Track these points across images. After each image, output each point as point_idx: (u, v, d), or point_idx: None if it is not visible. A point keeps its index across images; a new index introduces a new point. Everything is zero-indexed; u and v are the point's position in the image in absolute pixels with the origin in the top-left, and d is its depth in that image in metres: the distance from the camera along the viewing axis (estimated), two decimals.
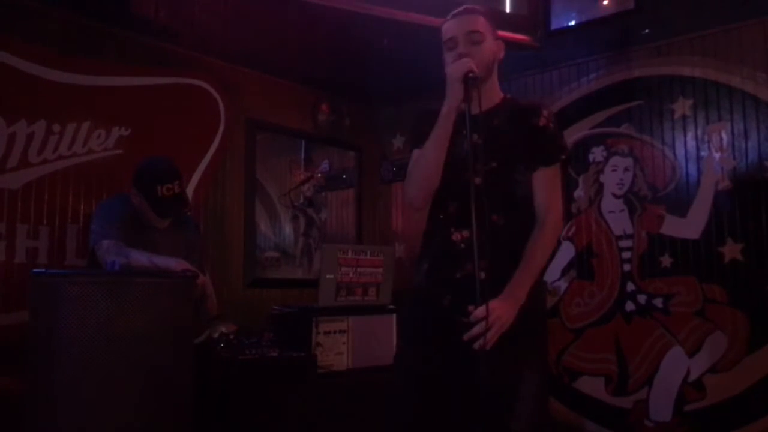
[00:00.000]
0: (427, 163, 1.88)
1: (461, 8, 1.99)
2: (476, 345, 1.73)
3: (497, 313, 1.75)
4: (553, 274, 4.11)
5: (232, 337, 2.96)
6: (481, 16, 1.98)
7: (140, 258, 2.59)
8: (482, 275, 1.80)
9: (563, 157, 2.00)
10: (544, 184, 1.96)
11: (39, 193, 3.21)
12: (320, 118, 4.60)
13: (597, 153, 4.01)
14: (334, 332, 3.44)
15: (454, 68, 1.82)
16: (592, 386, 3.89)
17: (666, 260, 3.68)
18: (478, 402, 1.76)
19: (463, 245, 1.89)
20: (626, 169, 3.89)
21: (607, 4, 4.03)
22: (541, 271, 1.92)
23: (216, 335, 2.91)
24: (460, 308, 1.82)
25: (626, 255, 3.84)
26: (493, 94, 2.00)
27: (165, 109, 3.72)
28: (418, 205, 1.96)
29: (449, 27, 1.97)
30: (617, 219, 3.89)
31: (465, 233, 1.88)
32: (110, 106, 3.48)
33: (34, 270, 2.31)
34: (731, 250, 3.47)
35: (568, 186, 4.11)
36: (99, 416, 2.09)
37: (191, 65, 3.90)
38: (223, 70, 4.06)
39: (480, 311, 1.71)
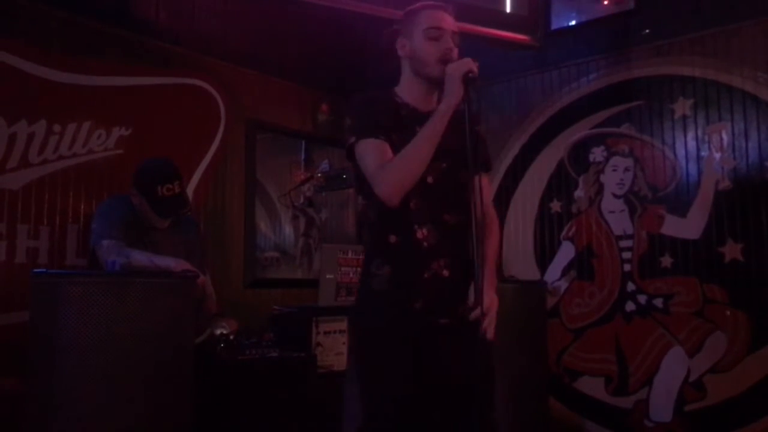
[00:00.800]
0: (420, 158, 1.81)
1: (440, 3, 1.97)
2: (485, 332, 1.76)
3: (490, 300, 1.78)
4: (553, 274, 4.11)
5: (232, 337, 2.96)
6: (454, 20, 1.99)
7: (140, 258, 2.59)
8: (446, 273, 1.84)
9: (490, 168, 2.16)
10: (485, 188, 1.99)
11: (39, 194, 3.21)
12: (320, 118, 4.60)
13: (597, 153, 4.01)
14: (334, 332, 3.44)
15: (457, 66, 1.81)
16: (592, 386, 3.89)
17: (666, 260, 3.68)
18: (460, 399, 1.79)
19: (425, 243, 1.86)
20: (626, 169, 3.89)
21: (607, 5, 4.03)
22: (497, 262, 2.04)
23: (218, 332, 2.91)
24: (435, 310, 1.83)
25: (626, 255, 3.84)
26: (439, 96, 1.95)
27: (165, 110, 3.71)
28: (397, 201, 1.81)
29: (438, 17, 1.93)
30: (617, 219, 3.89)
31: (425, 231, 1.86)
32: (111, 106, 3.48)
33: (35, 270, 2.31)
34: (731, 250, 3.47)
35: (568, 186, 4.11)
36: (99, 416, 2.09)
37: (192, 65, 3.90)
38: (224, 70, 4.06)
39: (478, 312, 1.73)
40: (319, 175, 4.64)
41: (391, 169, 1.81)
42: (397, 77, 2.05)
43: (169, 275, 2.49)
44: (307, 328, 3.33)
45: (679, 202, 3.66)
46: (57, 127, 3.28)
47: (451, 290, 1.85)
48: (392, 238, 1.88)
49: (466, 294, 1.84)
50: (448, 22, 1.94)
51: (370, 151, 1.85)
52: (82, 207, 3.34)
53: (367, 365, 1.90)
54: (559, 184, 4.15)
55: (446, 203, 1.88)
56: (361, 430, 1.87)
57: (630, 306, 3.80)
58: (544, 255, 4.18)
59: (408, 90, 1.98)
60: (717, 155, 3.57)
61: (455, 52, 1.91)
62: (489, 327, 1.76)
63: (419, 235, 1.86)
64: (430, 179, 1.87)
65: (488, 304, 1.75)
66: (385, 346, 1.86)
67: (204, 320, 2.90)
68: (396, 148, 1.85)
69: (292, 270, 4.41)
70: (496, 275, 1.92)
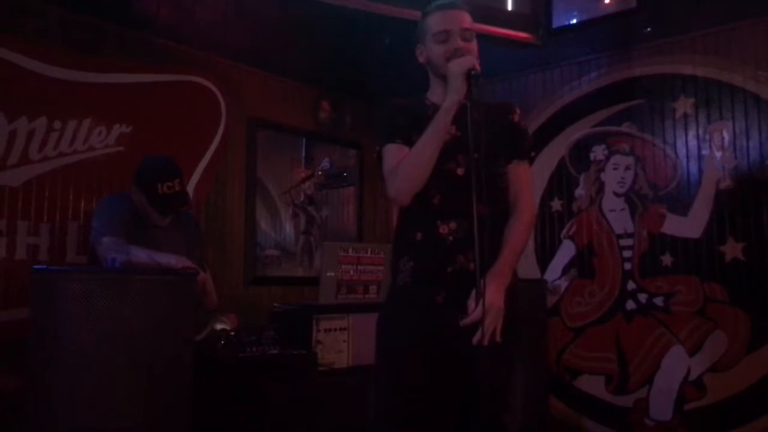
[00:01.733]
0: (424, 157, 1.84)
1: (449, 1, 1.99)
2: (475, 339, 1.74)
3: (490, 301, 1.75)
4: (553, 272, 4.11)
5: (233, 333, 2.95)
6: (468, 13, 1.99)
7: (141, 255, 2.59)
8: (472, 266, 1.81)
9: (533, 154, 2.10)
10: (520, 176, 2.00)
11: (40, 190, 3.21)
12: (321, 116, 4.60)
13: (598, 151, 4.01)
14: (335, 330, 3.43)
15: (458, 64, 1.82)
16: (592, 385, 3.89)
17: (667, 259, 3.68)
18: (476, 398, 1.77)
19: (451, 238, 1.87)
20: (627, 168, 3.89)
21: (609, 3, 4.02)
22: (520, 256, 1.96)
23: (218, 328, 2.91)
24: (456, 304, 1.82)
25: (627, 254, 3.84)
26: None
27: (166, 107, 3.71)
28: (407, 200, 1.87)
29: (442, 19, 1.96)
30: (618, 218, 3.89)
31: (452, 225, 1.88)
32: (111, 103, 3.47)
33: (35, 267, 2.31)
34: (732, 250, 3.47)
35: (569, 184, 4.11)
36: (99, 413, 2.09)
37: (192, 63, 3.89)
38: (225, 67, 4.06)
39: (478, 312, 1.72)
40: (320, 172, 4.64)
41: (399, 170, 1.86)
42: (400, 76, 2.09)
43: (169, 272, 2.48)
44: (307, 326, 3.33)
45: (680, 201, 3.66)
46: (57, 124, 3.28)
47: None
48: (418, 235, 1.92)
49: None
50: (456, 20, 1.95)
51: (387, 156, 1.93)
52: (83, 204, 3.34)
53: (382, 363, 1.95)
54: (560, 183, 4.15)
55: (478, 195, 1.83)
56: (369, 427, 1.90)
57: (630, 305, 3.80)
58: (544, 254, 4.18)
59: (434, 92, 2.03)
60: (718, 154, 3.57)
61: (467, 48, 1.92)
62: (490, 328, 1.74)
63: (442, 230, 1.88)
64: (460, 171, 1.90)
65: (489, 302, 1.73)
66: (400, 345, 1.89)
67: (204, 317, 2.90)
68: None
69: (292, 268, 4.41)
70: (511, 270, 1.89)
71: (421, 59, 2.03)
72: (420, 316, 1.88)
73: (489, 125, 1.86)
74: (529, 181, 2.04)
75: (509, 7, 3.63)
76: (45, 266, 2.63)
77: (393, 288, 1.99)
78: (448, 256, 1.87)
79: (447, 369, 1.85)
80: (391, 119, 1.98)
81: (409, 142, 1.89)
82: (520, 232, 1.94)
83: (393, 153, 1.91)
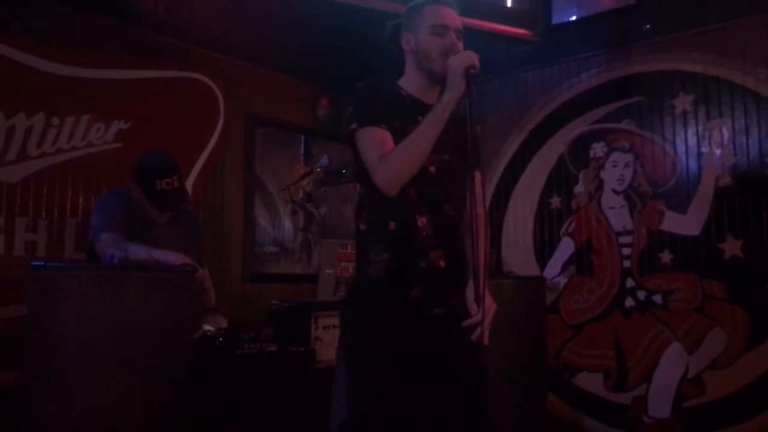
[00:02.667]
0: (420, 149, 1.82)
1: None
2: (475, 336, 1.76)
3: (488, 303, 1.79)
4: (552, 270, 4.11)
5: (221, 338, 2.92)
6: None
7: (139, 252, 2.58)
8: (442, 264, 1.85)
9: (483, 168, 2.10)
10: (479, 185, 1.99)
11: (38, 187, 3.20)
12: (320, 113, 4.59)
13: (597, 149, 4.01)
14: (333, 327, 3.42)
15: (459, 60, 1.82)
16: (591, 382, 3.89)
17: (666, 256, 3.68)
18: (455, 393, 1.82)
19: (425, 233, 1.87)
20: (626, 165, 3.89)
21: (608, 0, 4.02)
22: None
23: (204, 329, 2.89)
24: (430, 300, 1.85)
25: (626, 251, 3.84)
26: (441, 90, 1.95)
27: (164, 103, 3.70)
28: (395, 190, 1.82)
29: (442, 14, 1.96)
30: (617, 215, 3.89)
31: (424, 220, 1.88)
32: (110, 99, 3.46)
33: (33, 263, 2.30)
34: (731, 247, 3.47)
35: (568, 181, 4.11)
36: (97, 410, 2.09)
37: (191, 59, 3.88)
38: (223, 64, 4.05)
39: (480, 315, 1.75)
40: (319, 169, 4.63)
41: (392, 159, 1.82)
42: (400, 72, 2.06)
43: (167, 269, 2.48)
44: (305, 323, 3.32)
45: (679, 198, 3.66)
46: (56, 120, 3.27)
47: (447, 281, 1.87)
48: (392, 225, 1.88)
49: (459, 286, 1.87)
50: (453, 18, 1.97)
51: (372, 140, 1.86)
52: (81, 200, 3.33)
53: (355, 357, 1.88)
54: (559, 180, 4.15)
55: (446, 194, 1.90)
56: (344, 424, 1.85)
57: (629, 302, 3.80)
58: (543, 251, 4.18)
59: (411, 82, 2.01)
60: (717, 151, 3.57)
61: (459, 47, 1.93)
62: (486, 331, 1.77)
63: (420, 223, 1.87)
64: (432, 169, 1.89)
65: (488, 304, 1.77)
66: (375, 339, 1.85)
67: (197, 317, 2.89)
68: (398, 136, 1.85)
69: (291, 265, 4.41)
70: (487, 274, 1.89)
71: (407, 47, 2.00)
72: (395, 310, 1.85)
73: (456, 128, 1.85)
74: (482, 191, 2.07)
75: (509, 4, 3.63)
76: (43, 263, 2.62)
77: (363, 279, 1.92)
78: (421, 250, 1.87)
79: (422, 364, 1.84)
80: (371, 101, 1.94)
81: (392, 129, 1.86)
82: (487, 237, 1.95)
83: (377, 138, 1.85)
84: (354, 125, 1.90)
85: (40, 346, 2.13)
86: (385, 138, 1.86)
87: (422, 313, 1.85)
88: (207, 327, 2.87)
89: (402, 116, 1.88)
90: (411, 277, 1.86)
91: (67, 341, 2.09)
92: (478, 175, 1.97)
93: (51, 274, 2.20)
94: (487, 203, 2.09)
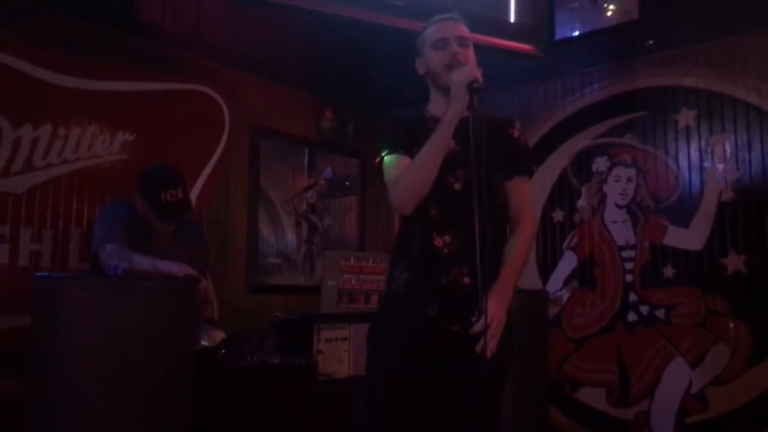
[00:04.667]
0: (426, 167, 1.85)
1: (446, 14, 2.03)
2: (478, 348, 1.74)
3: (492, 314, 1.76)
4: (555, 283, 4.11)
5: (222, 351, 2.91)
6: (465, 27, 2.02)
7: (143, 262, 2.59)
8: (466, 280, 1.84)
9: (535, 169, 2.07)
10: (521, 192, 2.01)
11: (43, 197, 3.22)
12: (324, 125, 4.62)
13: (600, 163, 4.01)
14: (336, 339, 3.43)
15: (460, 75, 1.83)
16: (593, 397, 3.88)
17: (668, 271, 3.68)
18: (468, 409, 1.79)
19: (446, 251, 1.88)
20: (629, 180, 3.89)
21: (611, 15, 4.04)
22: (521, 274, 1.96)
23: (201, 344, 2.88)
24: (448, 317, 1.84)
25: (629, 265, 3.84)
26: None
27: (170, 115, 3.73)
28: (409, 210, 1.88)
29: (439, 29, 1.99)
30: (620, 229, 3.89)
31: (447, 238, 1.88)
32: (115, 111, 3.49)
33: (38, 273, 2.32)
34: (734, 262, 3.47)
35: (571, 195, 4.12)
36: (100, 421, 2.09)
37: (196, 71, 3.91)
38: (228, 76, 4.07)
39: (481, 323, 1.72)
40: (323, 181, 4.65)
41: (401, 179, 1.87)
42: (402, 86, 2.10)
43: (171, 280, 2.49)
44: (308, 335, 3.32)
45: (682, 212, 3.66)
46: (62, 131, 3.29)
47: (470, 298, 1.80)
48: (413, 245, 1.93)
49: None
50: (451, 29, 1.98)
51: (389, 166, 1.94)
52: (86, 211, 3.35)
53: (370, 372, 1.94)
54: (562, 194, 4.16)
55: (474, 209, 1.83)
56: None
57: (632, 316, 3.79)
58: (546, 264, 4.18)
59: (434, 105, 2.03)
60: (720, 166, 3.57)
61: (463, 54, 1.93)
62: (490, 342, 1.75)
63: (437, 242, 1.88)
64: (457, 186, 1.90)
65: (491, 317, 1.74)
66: (390, 354, 1.89)
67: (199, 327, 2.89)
68: None
69: (294, 276, 4.42)
70: (512, 288, 1.90)
71: (420, 71, 2.05)
72: (411, 327, 1.88)
73: (489, 139, 1.85)
74: (530, 197, 2.06)
75: (512, 19, 3.64)
76: (47, 273, 2.63)
77: (388, 293, 2.00)
78: (441, 268, 1.87)
79: (435, 381, 1.85)
80: (393, 130, 1.99)
81: (411, 154, 1.90)
82: (521, 249, 1.95)
83: (395, 164, 1.92)
84: (380, 157, 1.99)
85: (43, 356, 2.13)
86: (401, 162, 1.91)
87: (439, 330, 1.85)
88: (203, 342, 2.85)
89: (423, 140, 1.88)
90: (429, 295, 1.88)
91: (71, 351, 2.09)
92: (519, 182, 1.99)
93: (55, 284, 2.22)
94: (524, 212, 2.03)
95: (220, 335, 2.93)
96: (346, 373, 3.43)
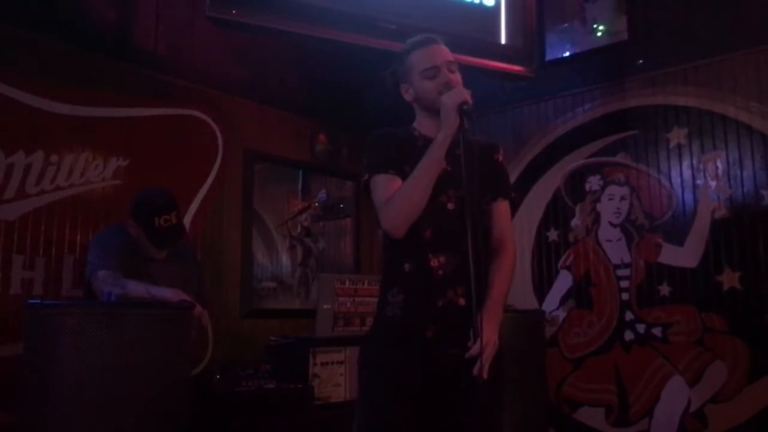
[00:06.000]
0: (419, 189, 1.83)
1: (426, 37, 2.01)
2: (475, 370, 1.71)
3: (487, 338, 1.75)
4: (551, 303, 4.10)
5: (218, 375, 2.89)
6: (445, 46, 2.01)
7: (137, 289, 2.58)
8: (462, 302, 1.83)
9: (513, 194, 2.12)
10: (504, 215, 2.03)
11: (36, 224, 3.20)
12: (318, 148, 4.62)
13: (593, 182, 4.03)
14: (332, 363, 3.41)
15: (451, 97, 1.83)
16: (592, 417, 3.85)
17: (664, 289, 3.68)
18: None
19: (441, 272, 1.86)
20: (623, 198, 3.91)
21: (601, 36, 4.09)
22: (507, 295, 1.96)
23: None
24: (446, 339, 1.82)
25: (624, 284, 3.84)
26: None
27: (163, 140, 3.73)
28: (401, 233, 1.84)
29: (427, 56, 1.96)
30: (615, 248, 3.90)
31: (442, 259, 1.87)
32: (108, 137, 3.49)
33: (30, 301, 2.29)
34: (729, 279, 3.47)
35: (565, 214, 4.13)
36: None
37: (189, 97, 3.92)
38: (221, 101, 4.09)
39: (477, 347, 1.71)
40: (317, 204, 4.64)
41: (393, 202, 1.84)
42: (396, 109, 2.08)
43: (165, 306, 2.47)
44: (304, 359, 3.30)
45: (676, 230, 3.67)
46: (54, 158, 3.29)
47: (466, 319, 1.79)
48: (407, 267, 1.90)
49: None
50: (440, 55, 1.97)
51: (379, 186, 1.90)
52: (79, 237, 3.33)
53: (366, 399, 1.90)
54: (556, 213, 4.17)
55: (467, 230, 1.82)
56: None
57: (629, 335, 3.78)
58: (542, 284, 4.17)
59: (423, 123, 2.02)
60: (712, 184, 3.59)
61: (454, 81, 1.93)
62: (484, 365, 1.72)
63: (433, 263, 1.87)
64: (450, 205, 1.90)
65: (486, 341, 1.72)
66: (387, 381, 1.85)
67: (200, 352, 2.87)
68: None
69: (289, 300, 4.39)
70: (502, 310, 1.89)
71: (407, 97, 2.02)
72: (410, 351, 1.85)
73: (473, 161, 1.83)
74: (509, 220, 2.07)
75: (503, 41, 3.68)
76: (40, 301, 2.61)
77: (380, 320, 1.95)
78: (437, 289, 1.86)
79: (435, 404, 1.82)
80: (381, 149, 1.96)
81: (401, 173, 1.89)
82: (508, 272, 1.96)
83: (384, 184, 1.89)
84: (366, 176, 1.95)
85: (35, 385, 2.11)
86: (391, 183, 1.88)
87: (437, 353, 1.82)
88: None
89: (413, 159, 1.87)
90: (426, 318, 1.85)
91: (64, 380, 2.07)
92: (503, 205, 2.01)
93: (47, 312, 2.19)
94: (505, 235, 2.03)
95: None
96: (343, 397, 3.40)
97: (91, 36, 3.41)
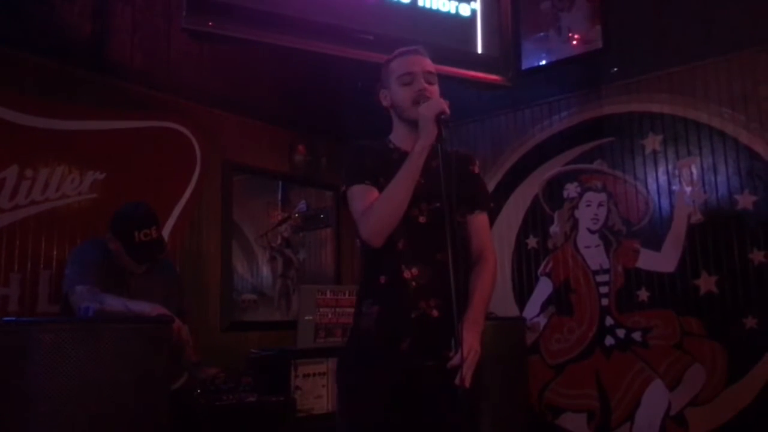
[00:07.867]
0: (397, 200, 1.84)
1: (412, 47, 2.03)
2: (457, 380, 1.71)
3: (469, 345, 1.75)
4: (532, 310, 4.12)
5: (198, 389, 2.88)
6: (428, 58, 2.03)
7: (115, 303, 2.54)
8: (435, 313, 1.84)
9: (492, 204, 2.13)
10: (482, 226, 2.04)
11: (10, 240, 3.15)
12: (297, 159, 4.62)
13: (571, 189, 4.07)
14: (314, 375, 3.39)
15: (428, 108, 1.84)
16: (575, 423, 3.87)
17: (643, 294, 3.71)
18: None
19: (414, 283, 1.87)
20: (600, 205, 3.94)
21: (576, 44, 4.14)
22: (489, 303, 1.96)
23: (202, 377, 2.86)
24: (421, 351, 1.82)
25: (604, 290, 3.87)
26: None
27: (140, 153, 3.70)
28: (380, 242, 1.85)
29: (406, 63, 1.99)
30: (593, 254, 3.93)
31: (415, 270, 1.87)
32: (85, 150, 3.45)
33: (4, 318, 2.26)
34: (706, 283, 3.52)
35: (544, 221, 4.16)
36: None
37: (166, 109, 3.90)
38: (199, 112, 4.07)
39: (458, 358, 1.70)
40: (297, 215, 4.63)
41: (371, 212, 1.85)
42: (377, 120, 2.08)
43: (143, 320, 2.44)
44: (285, 372, 3.29)
45: (653, 235, 3.72)
46: (29, 172, 3.24)
47: (440, 330, 1.81)
48: (381, 278, 1.90)
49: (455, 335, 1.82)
50: (419, 64, 1.99)
51: (356, 197, 1.91)
52: (55, 252, 3.29)
53: (345, 412, 1.90)
54: (535, 220, 4.20)
55: (439, 242, 1.83)
56: None
57: (609, 340, 3.81)
58: (522, 291, 4.19)
59: (397, 135, 2.04)
60: (688, 189, 3.64)
61: (430, 90, 1.95)
62: (466, 375, 1.72)
63: (406, 275, 1.87)
64: (422, 219, 1.91)
65: (467, 350, 1.72)
66: (363, 393, 1.85)
67: (183, 367, 2.84)
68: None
69: (270, 312, 4.36)
70: (483, 317, 1.89)
71: (385, 103, 2.05)
72: (385, 364, 1.85)
73: (448, 173, 1.85)
74: (488, 231, 2.08)
75: (479, 50, 3.71)
76: (15, 318, 2.57)
77: (355, 332, 1.95)
78: (410, 301, 1.86)
79: (413, 416, 1.82)
80: (358, 160, 1.98)
81: (377, 184, 1.90)
82: (489, 281, 1.96)
83: (361, 195, 1.90)
84: (343, 187, 1.96)
85: (11, 404, 2.07)
86: (368, 193, 1.89)
87: (412, 365, 1.82)
88: (201, 377, 2.84)
89: (388, 171, 1.88)
90: (400, 330, 1.85)
91: (40, 398, 2.04)
92: (481, 216, 2.02)
93: (22, 329, 2.16)
94: (485, 245, 2.04)
95: (214, 369, 2.90)
96: (325, 408, 3.38)
97: (66, 48, 3.38)
